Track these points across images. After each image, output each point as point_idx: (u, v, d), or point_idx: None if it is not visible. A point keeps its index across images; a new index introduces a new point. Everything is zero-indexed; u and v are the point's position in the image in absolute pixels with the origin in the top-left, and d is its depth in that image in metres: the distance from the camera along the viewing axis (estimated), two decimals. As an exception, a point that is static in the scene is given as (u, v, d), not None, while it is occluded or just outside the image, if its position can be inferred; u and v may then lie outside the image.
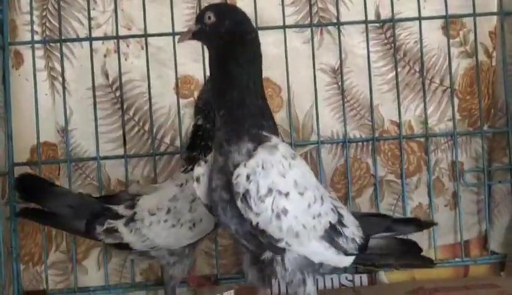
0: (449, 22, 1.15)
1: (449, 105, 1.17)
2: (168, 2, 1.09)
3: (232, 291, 1.16)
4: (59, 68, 1.11)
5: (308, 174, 0.72)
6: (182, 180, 0.92)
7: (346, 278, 1.16)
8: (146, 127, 1.14)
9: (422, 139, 1.18)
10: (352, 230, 0.75)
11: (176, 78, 1.10)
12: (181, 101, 1.13)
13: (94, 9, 1.12)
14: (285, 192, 0.66)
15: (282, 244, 0.68)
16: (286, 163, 0.67)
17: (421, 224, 0.90)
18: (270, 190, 0.65)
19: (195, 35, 0.72)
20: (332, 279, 1.15)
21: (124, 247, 0.92)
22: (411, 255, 0.85)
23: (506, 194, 1.18)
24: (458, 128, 1.16)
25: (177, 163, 1.13)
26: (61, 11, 1.10)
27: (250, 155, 0.67)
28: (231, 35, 0.69)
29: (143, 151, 1.14)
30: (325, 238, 0.71)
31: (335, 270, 0.78)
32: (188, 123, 1.14)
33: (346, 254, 0.73)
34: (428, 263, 0.88)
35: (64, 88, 1.10)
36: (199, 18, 0.71)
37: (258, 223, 0.66)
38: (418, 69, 1.17)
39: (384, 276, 1.16)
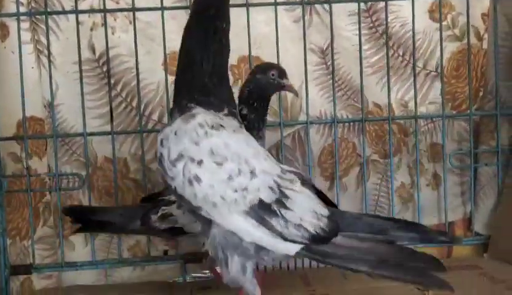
0: (436, 6, 1.15)
1: (431, 88, 1.19)
2: (157, -24, 1.07)
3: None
4: (45, 41, 1.08)
5: (234, 146, 0.68)
6: None
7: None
8: (134, 103, 1.12)
9: (402, 121, 1.19)
10: (302, 215, 0.67)
11: (165, 54, 1.08)
12: (170, 77, 1.10)
13: (81, -19, 1.09)
14: (198, 160, 0.66)
15: (203, 213, 0.68)
16: (201, 131, 0.67)
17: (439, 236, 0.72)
18: (181, 156, 0.66)
19: None
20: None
21: (176, 232, 0.94)
22: (417, 272, 0.66)
23: (491, 176, 1.19)
24: (442, 111, 1.16)
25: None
26: (46, -18, 1.07)
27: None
28: (195, 7, 0.71)
29: (130, 128, 1.13)
30: (251, 214, 0.66)
31: (286, 257, 0.71)
32: (176, 100, 1.13)
33: (285, 239, 0.67)
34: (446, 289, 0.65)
35: (50, 61, 1.08)
36: None
37: (175, 187, 0.67)
38: (401, 53, 1.18)
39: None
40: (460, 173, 1.21)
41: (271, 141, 1.14)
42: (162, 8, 1.06)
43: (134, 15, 1.07)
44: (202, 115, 0.69)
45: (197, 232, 0.92)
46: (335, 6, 1.11)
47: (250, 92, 0.90)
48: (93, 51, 1.11)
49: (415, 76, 1.14)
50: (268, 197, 0.67)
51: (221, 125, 0.69)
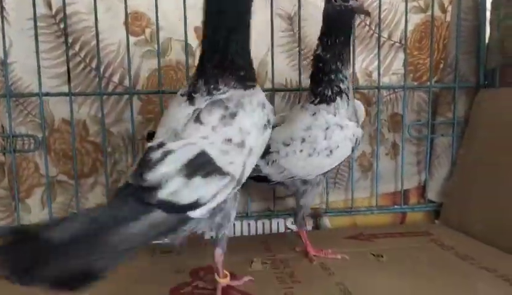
0: None
1: (394, 59, 1.19)
2: None
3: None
4: (-4, -6, 1.01)
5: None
6: (315, 110, 0.88)
7: (292, 222, 1.19)
8: (93, 64, 1.07)
9: (366, 91, 1.19)
10: None
11: (126, 13, 1.03)
12: (131, 38, 1.07)
13: None
14: None
15: None
16: None
17: None
18: None
19: None
20: (278, 223, 1.18)
21: (262, 179, 0.91)
22: None
23: (447, 147, 1.23)
24: (403, 82, 1.18)
25: (127, 103, 1.09)
26: None
27: None
28: None
29: (89, 89, 1.09)
30: None
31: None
32: (138, 61, 1.09)
33: None
34: None
35: (2, 17, 1.01)
36: None
37: None
38: (368, 23, 1.17)
39: (328, 221, 1.20)
40: (417, 143, 1.24)
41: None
42: (124, -36, 1.00)
43: (93, -31, 1.00)
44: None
45: (287, 183, 0.92)
46: (303, -29, 1.09)
47: (324, 28, 0.86)
48: (50, 7, 1.05)
49: (379, 47, 1.15)
50: None
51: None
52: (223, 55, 0.70)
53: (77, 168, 1.08)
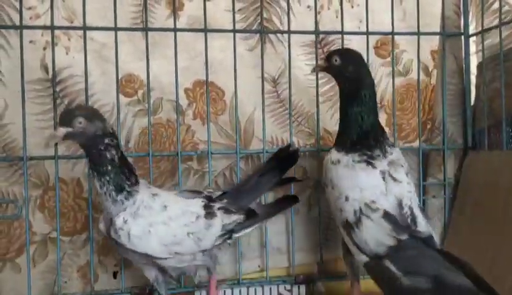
0: (381, 43, 1.11)
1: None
2: (112, -4, 0.97)
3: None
4: (-6, 57, 0.97)
5: None
6: None
7: (285, 288, 1.07)
8: (87, 125, 1.01)
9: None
10: None
11: (117, 76, 0.97)
12: (124, 99, 1.02)
13: (31, -2, 0.98)
14: None
15: None
16: None
17: None
18: None
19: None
20: (270, 289, 1.06)
21: None
22: None
23: (439, 209, 1.11)
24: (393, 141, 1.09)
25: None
26: (-5, -3, 0.96)
27: None
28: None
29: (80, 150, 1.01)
30: None
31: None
32: (130, 121, 1.04)
33: None
34: None
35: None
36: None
37: None
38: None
39: (321, 286, 1.08)
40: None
41: (224, 164, 1.07)
42: (116, 29, 0.96)
43: (85, 33, 0.96)
44: None
45: None
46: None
47: None
48: (46, 70, 1.00)
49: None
50: None
51: None
52: None
53: (70, 224, 1.01)
